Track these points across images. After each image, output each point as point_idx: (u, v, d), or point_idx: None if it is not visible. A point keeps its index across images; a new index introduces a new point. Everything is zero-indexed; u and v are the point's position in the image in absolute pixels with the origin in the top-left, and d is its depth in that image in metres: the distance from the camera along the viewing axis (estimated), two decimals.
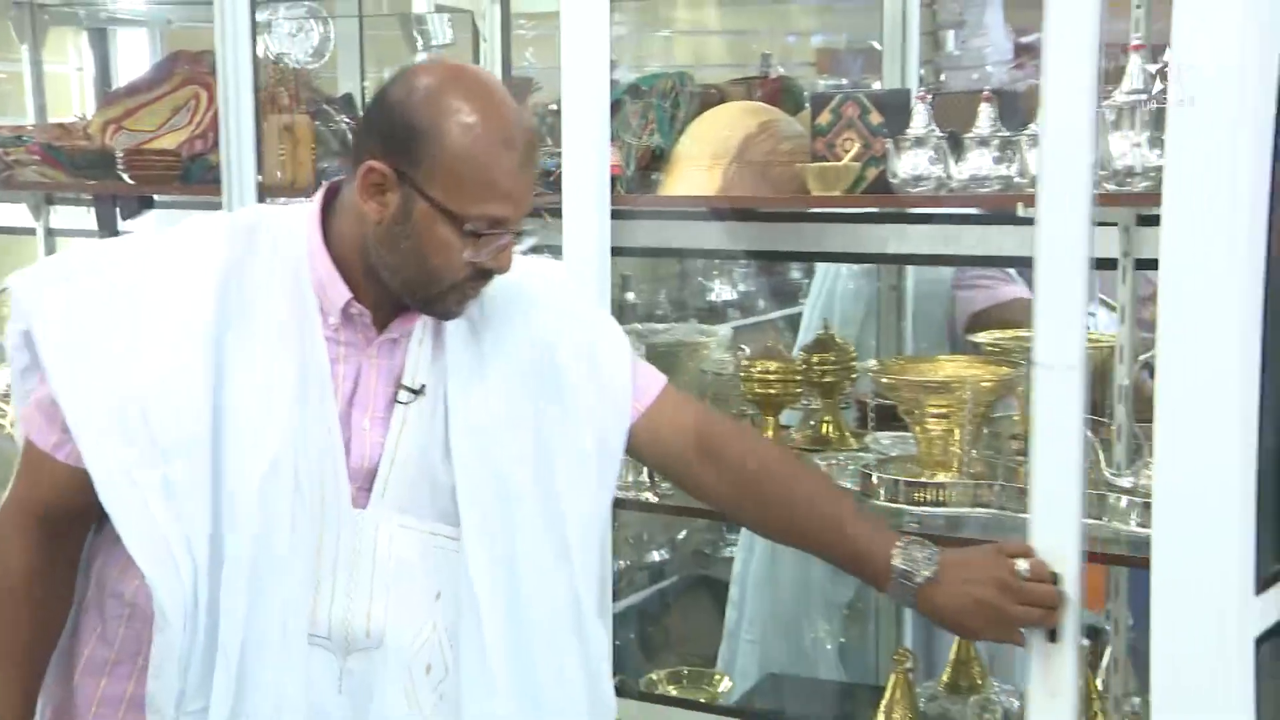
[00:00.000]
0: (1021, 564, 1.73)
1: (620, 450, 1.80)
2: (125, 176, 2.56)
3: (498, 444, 1.72)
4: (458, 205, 1.60)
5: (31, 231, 3.10)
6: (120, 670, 1.71)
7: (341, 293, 1.66)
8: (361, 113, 1.68)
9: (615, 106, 2.27)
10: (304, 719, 1.66)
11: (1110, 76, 1.81)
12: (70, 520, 1.69)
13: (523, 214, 1.65)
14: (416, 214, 1.61)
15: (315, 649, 1.66)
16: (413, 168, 1.60)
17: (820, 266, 3.19)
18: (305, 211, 1.71)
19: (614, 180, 2.21)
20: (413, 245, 1.62)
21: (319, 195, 1.72)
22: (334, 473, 1.66)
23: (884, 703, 2.22)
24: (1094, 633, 3.86)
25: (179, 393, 1.59)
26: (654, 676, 2.93)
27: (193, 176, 2.61)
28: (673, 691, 2.88)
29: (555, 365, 1.76)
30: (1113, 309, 3.22)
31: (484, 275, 1.65)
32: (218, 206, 2.93)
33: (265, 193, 2.56)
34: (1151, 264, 1.91)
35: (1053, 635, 1.74)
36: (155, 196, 2.79)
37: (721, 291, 4.35)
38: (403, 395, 1.69)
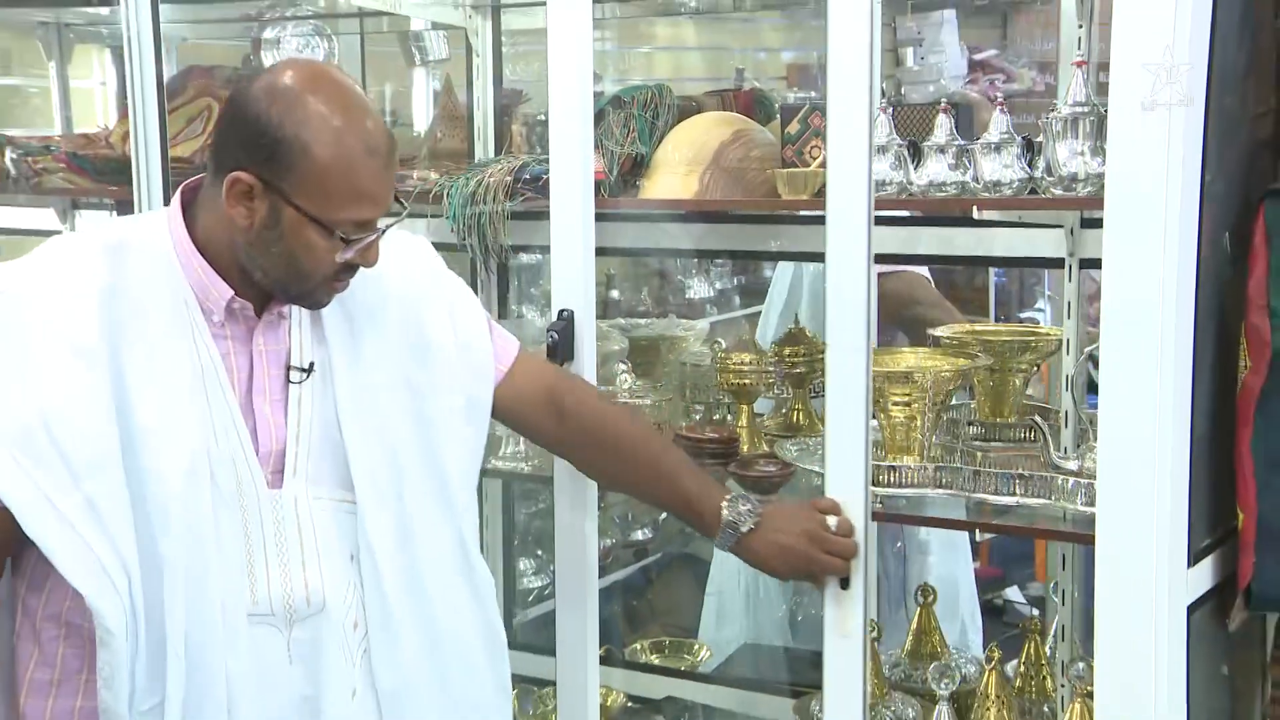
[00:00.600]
0: (831, 520, 1.89)
1: (489, 407, 1.86)
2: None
3: (381, 412, 1.76)
4: (325, 213, 1.61)
5: (58, 234, 3.12)
6: (65, 688, 1.69)
7: (224, 291, 1.67)
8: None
9: (599, 116, 2.29)
10: (256, 695, 1.67)
11: (1053, 91, 1.86)
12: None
13: (385, 211, 1.66)
14: (285, 221, 1.61)
15: (260, 627, 1.68)
16: (279, 178, 1.59)
17: (783, 267, 3.25)
18: (164, 218, 1.70)
19: (598, 185, 2.23)
20: (282, 249, 1.63)
21: (175, 200, 1.70)
22: (245, 460, 1.67)
23: None
24: (1040, 603, 3.91)
25: (81, 414, 1.57)
26: (638, 646, 2.96)
27: None
28: (655, 660, 2.92)
29: (422, 333, 1.81)
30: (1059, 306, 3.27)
31: (351, 269, 1.68)
32: None
33: None
34: (1095, 263, 1.96)
35: (845, 584, 1.90)
36: None
37: (699, 289, 4.37)
38: (294, 375, 1.72)
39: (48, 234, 3.13)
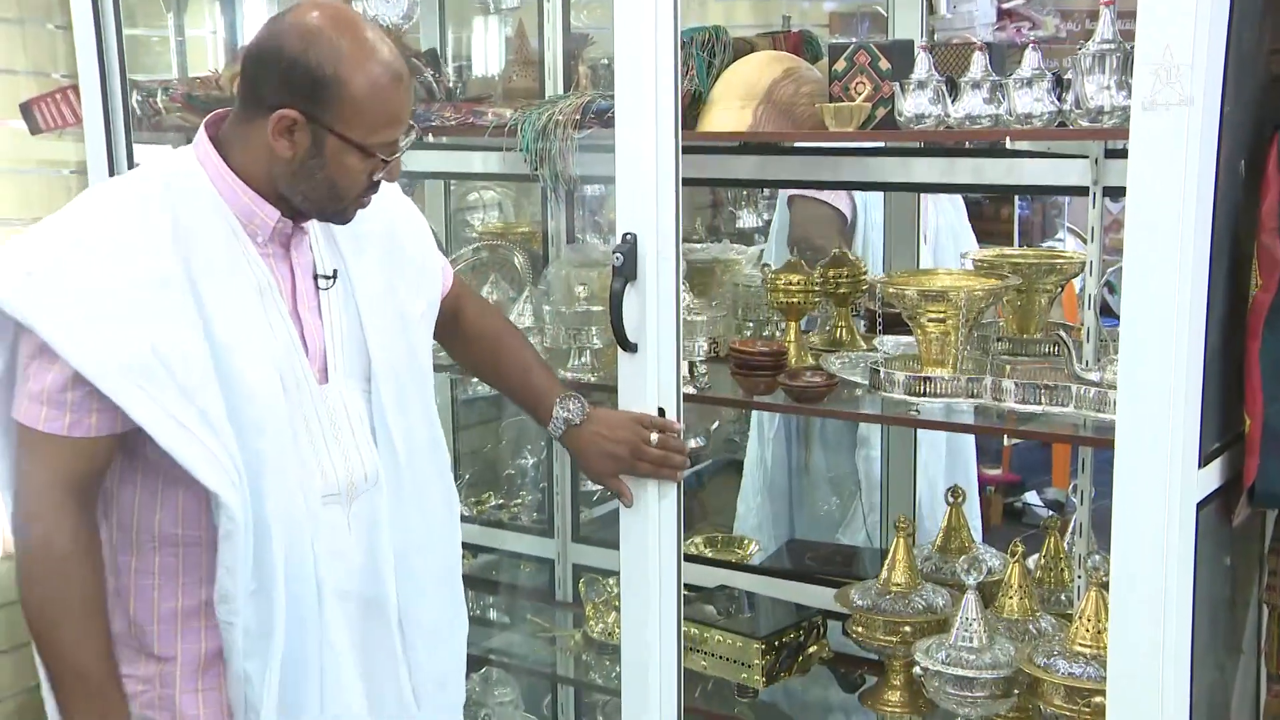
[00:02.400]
0: (654, 436, 2.01)
1: (435, 314, 1.99)
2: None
3: (382, 311, 1.86)
4: (364, 137, 1.67)
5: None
6: (165, 591, 1.73)
7: (271, 213, 1.73)
8: (250, 60, 1.70)
9: None
10: (333, 566, 1.77)
11: (1075, 38, 1.82)
12: (94, 485, 1.69)
13: (407, 127, 1.74)
14: (328, 149, 1.67)
15: (329, 506, 1.76)
16: (321, 111, 1.64)
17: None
18: (192, 155, 1.72)
19: None
20: (325, 174, 1.69)
21: (203, 136, 1.72)
22: (300, 363, 1.74)
23: (887, 562, 2.27)
24: (1056, 506, 3.90)
25: (181, 339, 1.62)
26: (693, 541, 2.99)
27: None
28: (709, 554, 2.94)
29: (399, 245, 1.92)
30: (1079, 236, 3.22)
31: (376, 185, 1.75)
32: None
33: None
34: (1117, 191, 1.93)
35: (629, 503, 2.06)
36: None
37: (747, 219, 4.34)
38: (322, 283, 1.80)
39: None
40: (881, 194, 2.88)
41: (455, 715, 2.02)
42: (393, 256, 1.90)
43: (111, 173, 2.69)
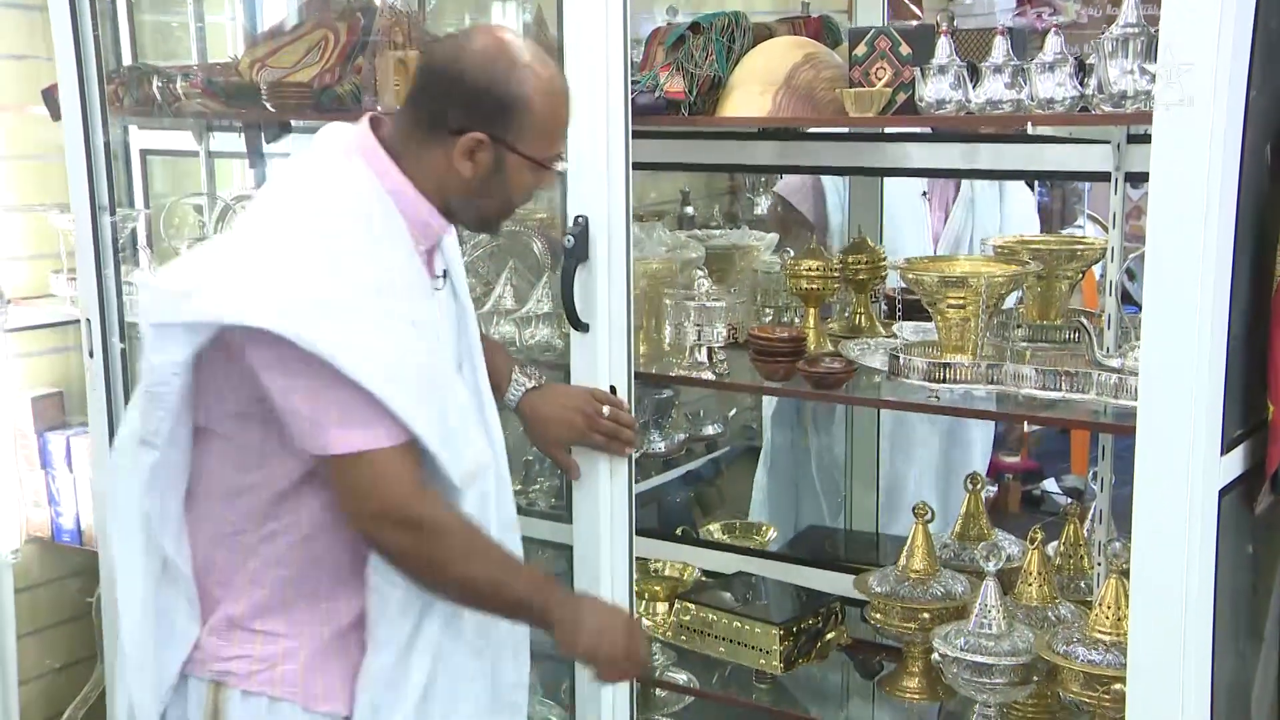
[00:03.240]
0: (606, 409, 2.09)
1: None
2: (268, 105, 2.60)
3: (471, 307, 1.96)
4: (541, 153, 1.76)
5: (195, 154, 3.16)
6: (306, 579, 1.78)
7: (444, 225, 1.81)
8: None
9: (679, 40, 2.27)
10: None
11: (1096, 23, 1.82)
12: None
13: None
14: (508, 167, 1.74)
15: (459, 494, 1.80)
16: (505, 132, 1.72)
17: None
18: (373, 167, 1.74)
19: (678, 104, 2.23)
20: (501, 191, 1.77)
21: (376, 150, 1.74)
22: (448, 358, 1.82)
23: (906, 548, 2.27)
24: (1075, 494, 3.88)
25: (429, 347, 1.73)
26: (710, 527, 2.99)
27: (322, 105, 2.63)
28: (726, 539, 2.94)
29: (458, 252, 2.00)
30: (1099, 223, 3.19)
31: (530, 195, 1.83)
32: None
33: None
34: (1140, 177, 1.91)
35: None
36: (292, 122, 2.84)
37: (766, 206, 4.33)
38: (439, 283, 1.86)
39: (185, 154, 3.19)
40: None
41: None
42: (459, 259, 2.00)
43: (89, 160, 2.70)
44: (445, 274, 1.88)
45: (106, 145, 2.72)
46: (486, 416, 1.92)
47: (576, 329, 2.12)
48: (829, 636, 2.36)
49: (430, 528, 1.69)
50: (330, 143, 1.78)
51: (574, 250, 2.09)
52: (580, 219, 2.09)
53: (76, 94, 2.66)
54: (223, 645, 1.79)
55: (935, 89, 1.98)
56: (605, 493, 2.17)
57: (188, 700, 1.81)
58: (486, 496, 1.87)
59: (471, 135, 1.70)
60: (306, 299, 1.61)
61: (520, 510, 3.00)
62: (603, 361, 2.14)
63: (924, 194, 3.17)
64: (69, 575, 3.20)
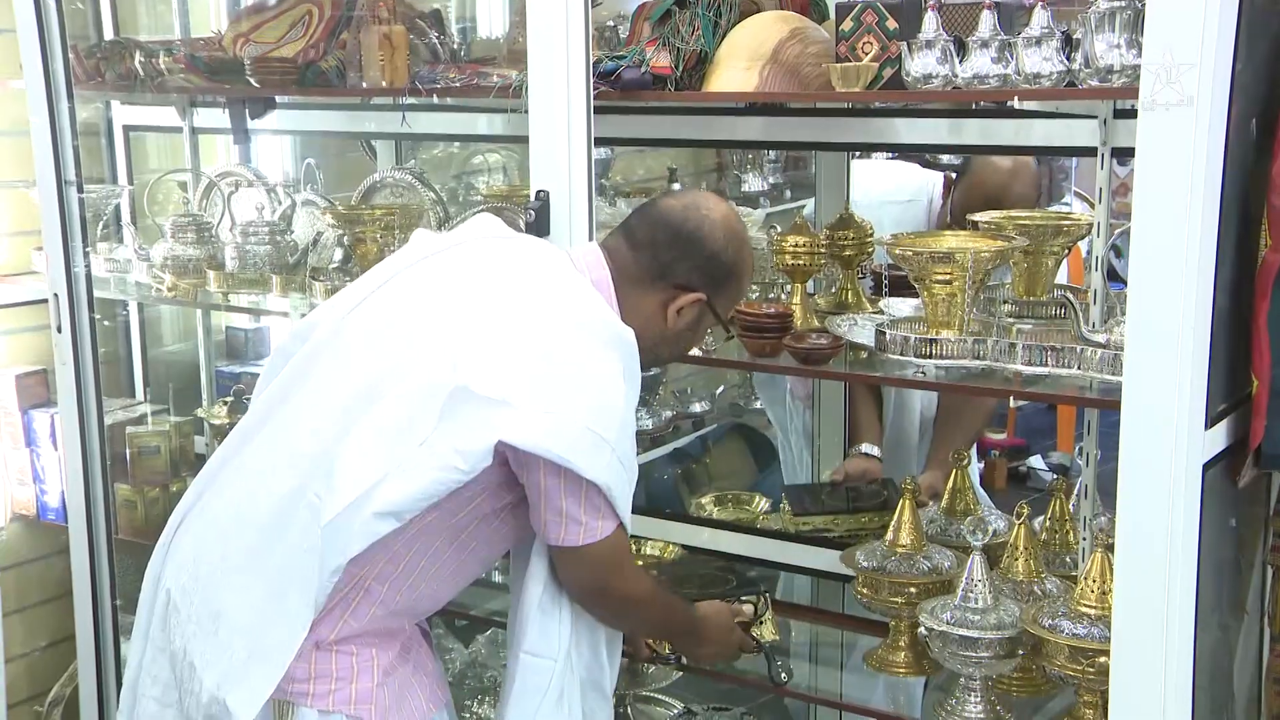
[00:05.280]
0: None
1: None
2: (253, 81, 2.59)
3: None
4: (728, 314, 2.05)
5: (179, 130, 3.15)
6: (387, 609, 1.87)
7: None
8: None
9: (665, 15, 2.26)
10: None
11: None
12: None
13: None
14: (704, 323, 2.00)
15: None
16: (717, 296, 1.96)
17: None
18: (603, 294, 1.90)
19: (664, 80, 2.22)
20: (689, 340, 2.03)
21: (604, 279, 1.91)
22: None
23: (893, 523, 2.27)
24: (1060, 470, 3.91)
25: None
26: (702, 500, 2.99)
27: (306, 81, 2.63)
28: (717, 513, 2.94)
29: None
30: (1085, 200, 3.19)
31: None
32: (329, 107, 2.97)
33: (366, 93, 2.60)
34: (1126, 152, 1.92)
35: None
36: (276, 98, 2.83)
37: (753, 183, 4.32)
38: None
39: (169, 130, 3.17)
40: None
41: None
42: None
43: (54, 134, 2.70)
44: None
45: (72, 119, 2.71)
46: None
47: None
48: (752, 631, 2.24)
49: (642, 602, 1.97)
50: (569, 261, 1.93)
51: (535, 224, 2.15)
52: (541, 193, 2.15)
53: (39, 66, 2.64)
54: (300, 667, 1.79)
55: (922, 64, 1.97)
56: None
57: None
58: None
59: (696, 294, 1.93)
60: (604, 446, 1.77)
61: None
62: None
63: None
64: (54, 554, 3.20)
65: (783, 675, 2.24)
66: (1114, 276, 2.19)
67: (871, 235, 2.49)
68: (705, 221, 1.93)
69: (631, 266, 1.93)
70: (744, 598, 2.24)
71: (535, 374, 1.77)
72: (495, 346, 1.79)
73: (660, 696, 2.86)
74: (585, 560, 1.86)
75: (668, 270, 1.93)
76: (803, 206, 3.62)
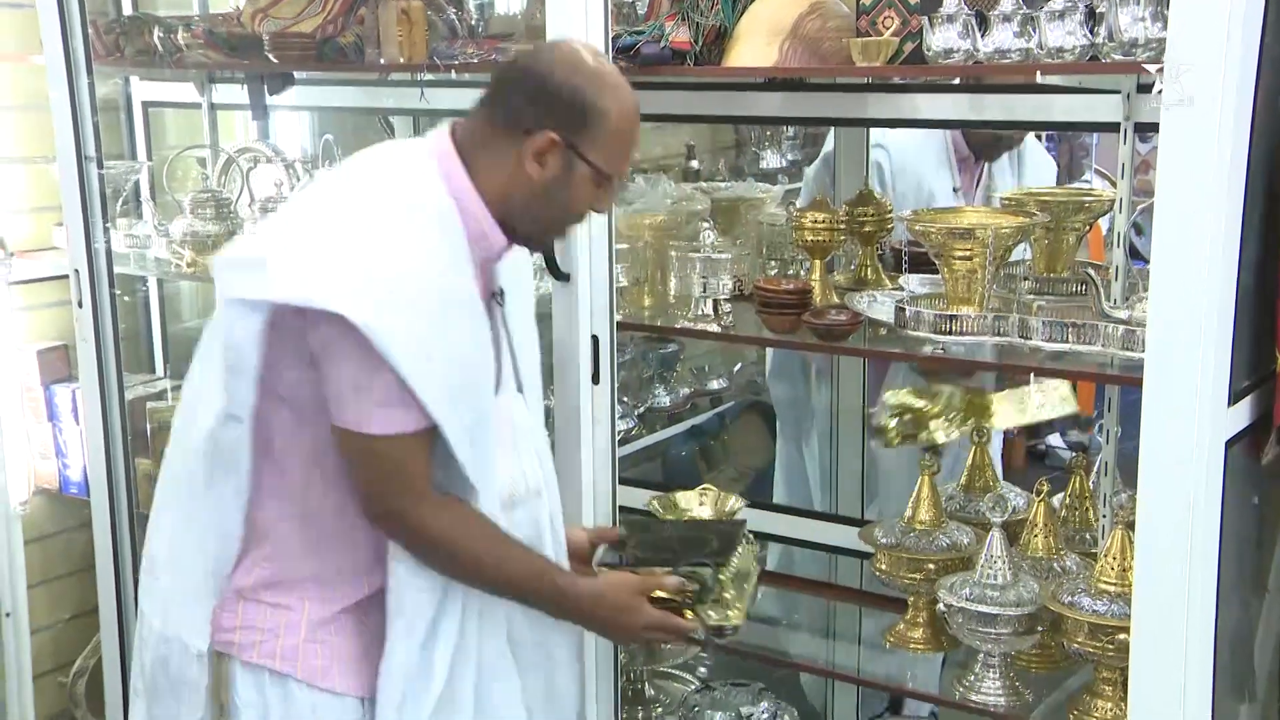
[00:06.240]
0: None
1: None
2: (271, 56, 2.58)
3: (528, 331, 1.95)
4: (610, 166, 1.75)
5: (197, 105, 3.15)
6: (318, 555, 1.81)
7: (500, 241, 1.78)
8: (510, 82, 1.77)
9: None
10: None
11: None
12: None
13: None
14: (575, 174, 1.73)
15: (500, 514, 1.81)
16: (580, 138, 1.71)
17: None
18: (440, 168, 1.74)
19: (683, 55, 2.21)
20: (562, 200, 1.76)
21: (449, 153, 1.74)
22: (489, 374, 1.80)
23: (912, 499, 2.26)
24: (1079, 449, 3.89)
25: (473, 351, 1.72)
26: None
27: (325, 56, 2.62)
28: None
29: (528, 279, 2.01)
30: (1106, 178, 3.18)
31: (584, 217, 1.83)
32: (347, 83, 2.96)
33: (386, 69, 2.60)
34: (1149, 127, 1.90)
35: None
36: (295, 74, 2.82)
37: (771, 159, 4.31)
38: (497, 300, 1.85)
39: (187, 106, 3.17)
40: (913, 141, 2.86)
41: None
42: (530, 288, 2.01)
43: (73, 107, 2.69)
44: (501, 294, 1.87)
45: (92, 94, 2.71)
46: (535, 447, 1.93)
47: (557, 279, 2.14)
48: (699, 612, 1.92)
49: (440, 534, 1.74)
50: (409, 142, 1.83)
51: None
52: None
53: (59, 41, 2.64)
54: (227, 615, 1.81)
55: (943, 38, 1.95)
56: (587, 445, 2.22)
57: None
58: (540, 530, 1.89)
59: (546, 134, 1.70)
60: (375, 288, 1.62)
61: None
62: (584, 311, 2.17)
63: (955, 188, 3.15)
64: (77, 527, 3.21)
65: (702, 666, 2.00)
66: (1134, 254, 2.17)
67: (891, 212, 2.48)
68: (548, 57, 1.74)
69: (482, 128, 1.75)
70: (690, 569, 1.90)
71: (306, 235, 1.70)
72: (276, 228, 1.81)
73: (677, 672, 2.86)
74: (370, 459, 1.69)
75: (514, 117, 1.72)
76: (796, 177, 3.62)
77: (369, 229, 1.67)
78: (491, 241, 1.77)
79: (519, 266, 1.94)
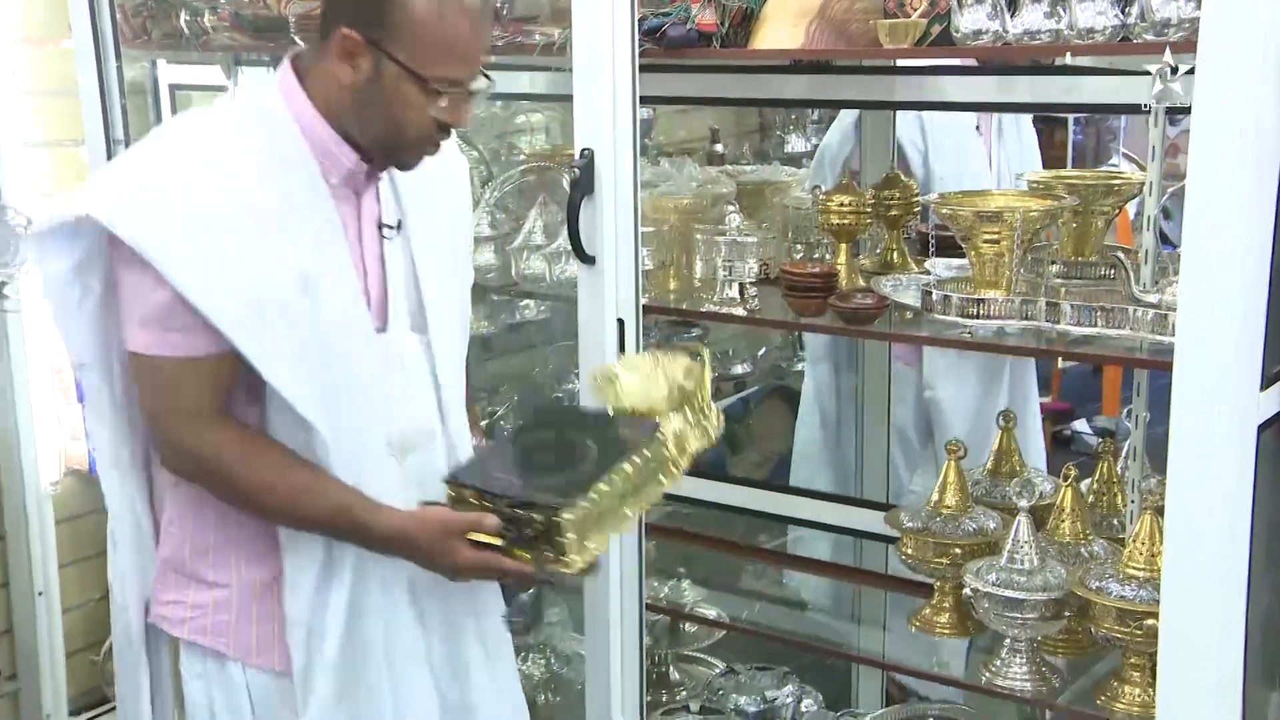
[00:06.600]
0: None
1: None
2: (297, 39, 2.57)
3: (439, 266, 1.82)
4: (422, 67, 1.59)
5: (224, 89, 3.14)
6: (226, 517, 1.74)
7: (349, 156, 1.68)
8: None
9: None
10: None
11: None
12: (230, 402, 1.68)
13: (476, 72, 1.64)
14: (386, 76, 1.60)
15: (383, 456, 1.72)
16: (381, 33, 1.57)
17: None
18: (276, 90, 1.68)
19: (710, 37, 2.19)
20: (383, 105, 1.61)
21: (288, 70, 1.68)
22: (358, 310, 1.70)
23: (938, 484, 2.25)
24: (1106, 435, 3.88)
25: (278, 271, 1.60)
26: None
27: None
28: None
29: (460, 210, 1.93)
30: (1134, 161, 3.15)
31: (444, 130, 1.67)
32: None
33: None
34: (1180, 110, 1.87)
35: None
36: None
37: (795, 143, 4.29)
38: (386, 233, 1.75)
39: (213, 89, 3.17)
40: (947, 123, 2.83)
41: (506, 680, 1.94)
42: (455, 219, 1.90)
43: (102, 90, 2.69)
44: (398, 225, 1.77)
45: (120, 78, 2.71)
46: (435, 391, 1.81)
47: (583, 262, 2.14)
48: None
49: (204, 459, 1.65)
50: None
51: (579, 183, 2.11)
52: (586, 152, 2.10)
53: (88, 25, 2.64)
54: (160, 589, 1.78)
55: (971, 19, 1.93)
56: None
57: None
58: (434, 477, 1.75)
59: (344, 31, 1.57)
60: (150, 198, 1.58)
61: None
62: (609, 295, 2.16)
63: (976, 128, 3.13)
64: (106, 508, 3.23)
65: (515, 618, 1.77)
66: (1164, 239, 2.15)
67: (918, 195, 2.46)
68: None
69: (314, 42, 1.70)
70: (515, 508, 1.65)
71: (116, 160, 1.74)
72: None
73: (702, 656, 2.86)
74: (150, 382, 1.63)
75: (326, 24, 1.62)
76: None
77: (168, 150, 1.65)
78: (339, 159, 1.67)
79: (438, 199, 1.83)
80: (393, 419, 1.74)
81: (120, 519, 1.81)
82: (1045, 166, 3.30)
